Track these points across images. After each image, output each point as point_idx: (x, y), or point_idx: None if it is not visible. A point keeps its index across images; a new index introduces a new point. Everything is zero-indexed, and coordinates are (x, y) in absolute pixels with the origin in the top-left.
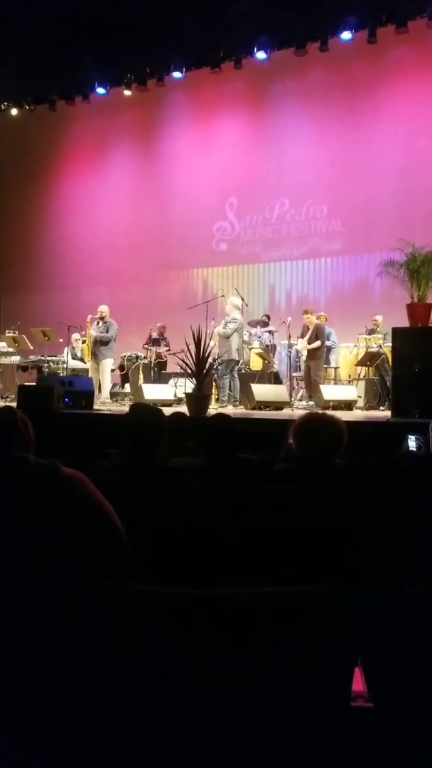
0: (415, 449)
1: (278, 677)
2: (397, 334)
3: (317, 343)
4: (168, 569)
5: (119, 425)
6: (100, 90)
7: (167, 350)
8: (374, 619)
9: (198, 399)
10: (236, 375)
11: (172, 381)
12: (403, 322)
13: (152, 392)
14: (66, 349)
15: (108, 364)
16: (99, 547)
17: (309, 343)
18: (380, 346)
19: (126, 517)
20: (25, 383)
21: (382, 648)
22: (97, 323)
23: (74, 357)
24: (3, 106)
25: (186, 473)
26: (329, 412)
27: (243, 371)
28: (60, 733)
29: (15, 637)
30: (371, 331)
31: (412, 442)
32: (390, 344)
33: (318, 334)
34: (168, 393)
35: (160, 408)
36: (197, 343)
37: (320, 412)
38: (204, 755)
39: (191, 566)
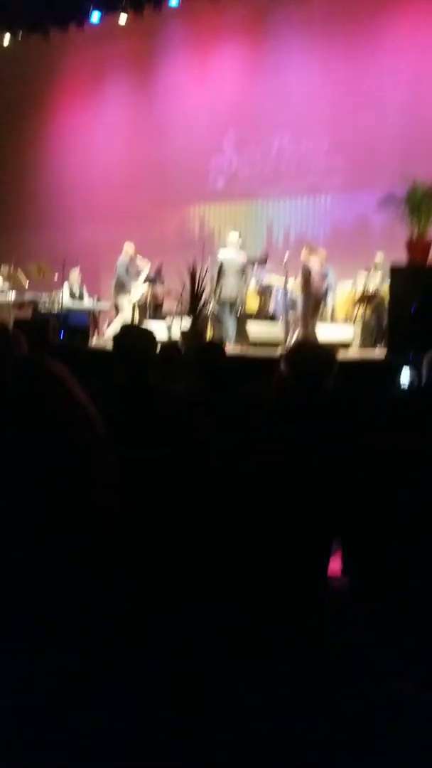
0: (408, 383)
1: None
2: (395, 272)
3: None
4: (159, 493)
5: (109, 350)
6: (96, 17)
7: (164, 290)
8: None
9: (192, 336)
10: (233, 314)
11: (168, 318)
12: (404, 260)
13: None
14: (65, 284)
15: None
16: (78, 439)
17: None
18: (378, 286)
19: (118, 438)
20: (20, 318)
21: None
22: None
23: (72, 295)
24: None
25: (178, 399)
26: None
27: (239, 312)
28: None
29: None
30: (371, 269)
31: (405, 377)
32: (388, 283)
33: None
34: (163, 332)
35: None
36: (192, 281)
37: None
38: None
39: (180, 490)
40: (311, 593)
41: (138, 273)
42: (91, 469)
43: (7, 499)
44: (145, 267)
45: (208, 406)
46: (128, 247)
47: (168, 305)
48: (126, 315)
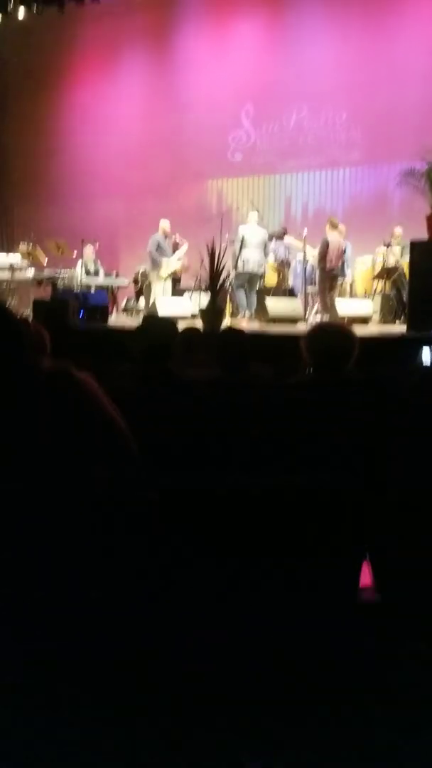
0: (430, 362)
1: (292, 569)
2: (415, 246)
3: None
4: (181, 477)
5: (132, 337)
6: None
7: (183, 266)
8: (382, 513)
9: (212, 313)
10: (254, 290)
11: (186, 295)
12: (423, 235)
13: (167, 307)
14: (79, 262)
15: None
16: (107, 449)
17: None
18: (398, 260)
19: (138, 427)
20: (40, 298)
21: (389, 542)
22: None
23: (88, 272)
24: (9, 7)
25: (198, 384)
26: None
27: (258, 287)
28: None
29: (30, 538)
30: (389, 244)
31: (426, 355)
32: (408, 258)
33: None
34: (182, 308)
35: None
36: (211, 256)
37: (330, 321)
38: (219, 647)
39: (204, 474)
40: (340, 604)
41: (173, 249)
42: (124, 480)
43: (36, 513)
44: (183, 245)
45: (230, 394)
46: (163, 224)
47: (186, 280)
48: (156, 291)
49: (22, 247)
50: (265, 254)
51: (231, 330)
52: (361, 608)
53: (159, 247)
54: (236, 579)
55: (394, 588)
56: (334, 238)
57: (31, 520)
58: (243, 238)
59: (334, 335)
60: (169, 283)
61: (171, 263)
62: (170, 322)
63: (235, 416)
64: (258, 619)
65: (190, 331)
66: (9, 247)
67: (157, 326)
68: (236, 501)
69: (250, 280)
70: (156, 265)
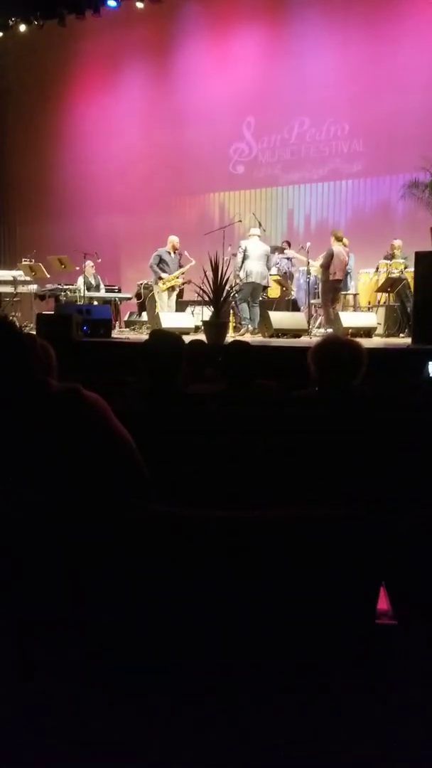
0: None
1: (305, 597)
2: (420, 258)
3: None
4: (189, 494)
5: (138, 352)
6: (112, 2)
7: (184, 279)
8: (397, 539)
9: (216, 327)
10: (257, 303)
11: (189, 309)
12: (426, 246)
13: (169, 320)
14: (80, 278)
15: (174, 294)
16: (116, 470)
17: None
18: (401, 272)
19: (147, 442)
20: (43, 312)
21: (405, 567)
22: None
23: (89, 287)
24: (11, 22)
25: (205, 399)
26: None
27: (261, 298)
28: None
29: (37, 556)
30: (390, 256)
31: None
32: (412, 270)
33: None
34: (185, 321)
35: (180, 335)
36: (214, 269)
37: (338, 335)
38: (231, 673)
39: (212, 490)
40: (357, 629)
41: (177, 266)
42: (131, 497)
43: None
44: (187, 264)
45: (237, 409)
46: (171, 239)
47: (189, 294)
48: (158, 304)
49: (25, 262)
50: (268, 267)
51: (237, 343)
52: (377, 632)
53: (161, 261)
54: (246, 602)
55: (410, 612)
56: (338, 249)
57: (41, 538)
58: (246, 250)
59: (342, 349)
60: (173, 297)
61: (171, 278)
62: (177, 337)
63: (243, 431)
64: (270, 640)
65: (196, 344)
66: (12, 263)
67: (164, 341)
68: (245, 522)
69: (253, 292)
70: (156, 278)
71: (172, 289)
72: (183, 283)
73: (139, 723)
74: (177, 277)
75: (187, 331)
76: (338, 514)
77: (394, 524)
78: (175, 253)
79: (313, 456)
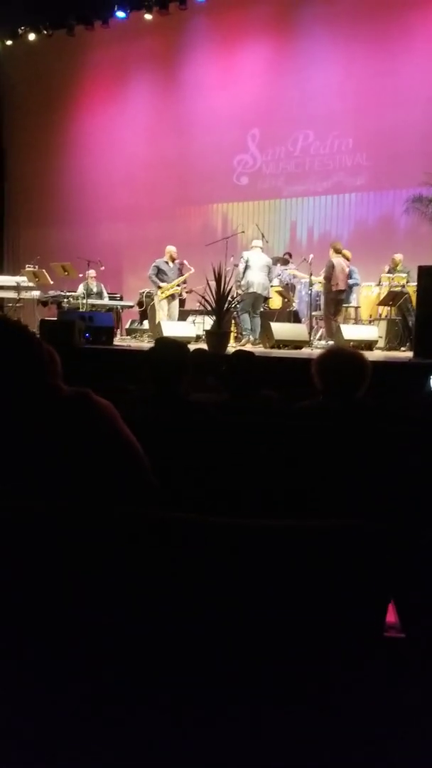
0: None
1: (313, 609)
2: (423, 272)
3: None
4: (190, 501)
5: (141, 360)
6: (120, 14)
7: (185, 288)
8: (406, 553)
9: (218, 336)
10: (258, 313)
11: (190, 318)
12: (429, 260)
13: (171, 329)
14: (81, 286)
15: (177, 301)
16: (124, 475)
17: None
18: (404, 286)
19: (151, 450)
20: (46, 318)
21: (413, 581)
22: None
23: (89, 294)
24: (20, 31)
25: (209, 408)
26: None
27: (263, 309)
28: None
29: (44, 560)
30: (390, 270)
31: None
32: (414, 284)
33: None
34: (187, 330)
35: (185, 343)
36: (217, 279)
37: (343, 346)
38: (237, 683)
39: (213, 499)
40: (365, 642)
41: (176, 274)
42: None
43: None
44: (187, 272)
45: (239, 420)
46: (168, 249)
47: (191, 303)
48: (160, 313)
49: (29, 268)
50: (270, 278)
51: (241, 353)
52: (386, 645)
53: (159, 272)
54: (252, 611)
55: (419, 625)
56: (338, 261)
57: (48, 542)
58: (248, 260)
59: (346, 360)
60: (175, 306)
61: (169, 287)
62: (182, 345)
63: (247, 441)
64: (278, 652)
65: (198, 353)
66: (15, 269)
67: (169, 349)
68: (250, 533)
69: (254, 303)
70: (156, 287)
71: (172, 297)
72: (186, 292)
73: (137, 734)
74: (177, 286)
75: (188, 340)
76: (350, 525)
77: (406, 538)
78: (173, 262)
79: (316, 467)
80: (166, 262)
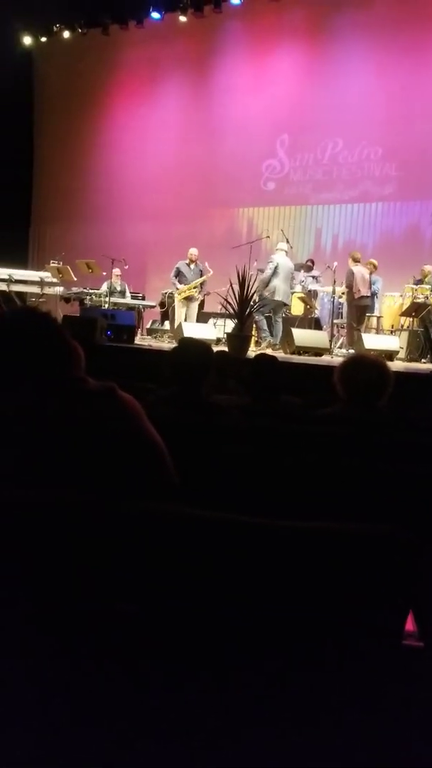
0: None
1: (335, 612)
2: None
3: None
4: (208, 501)
5: (164, 360)
6: (155, 15)
7: (204, 291)
8: (426, 560)
9: (239, 339)
10: (280, 319)
11: (211, 320)
12: None
13: (192, 331)
14: (105, 284)
15: (196, 304)
16: (147, 470)
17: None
18: (427, 297)
19: (172, 449)
20: (68, 314)
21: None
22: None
23: (113, 292)
24: (55, 28)
25: (231, 410)
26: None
27: (284, 315)
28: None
29: (70, 552)
30: (419, 281)
31: None
32: None
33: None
34: (207, 332)
35: (209, 344)
36: (241, 283)
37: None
38: (254, 687)
39: (232, 501)
40: (384, 649)
41: (195, 277)
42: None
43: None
44: (205, 274)
45: (261, 423)
46: (189, 251)
47: (212, 306)
48: (180, 314)
49: (53, 264)
50: (291, 286)
51: (265, 357)
52: (405, 654)
53: (179, 273)
54: (269, 610)
55: None
56: (357, 269)
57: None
58: (277, 266)
59: (369, 369)
60: (193, 308)
61: (186, 289)
62: (207, 346)
63: (268, 445)
64: (297, 655)
65: (220, 356)
66: (40, 264)
67: (194, 349)
68: (270, 538)
69: (275, 308)
70: (174, 289)
71: (189, 299)
72: (205, 294)
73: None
74: (194, 288)
75: (209, 343)
76: (381, 530)
77: (428, 547)
78: (193, 264)
79: (338, 474)
80: (187, 264)
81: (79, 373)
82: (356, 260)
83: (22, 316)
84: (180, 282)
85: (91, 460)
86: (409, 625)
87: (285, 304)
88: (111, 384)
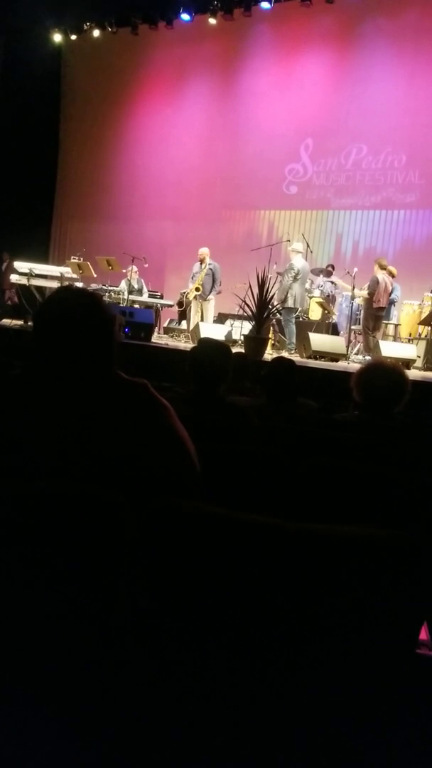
0: None
1: (349, 617)
2: None
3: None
4: (233, 501)
5: (178, 359)
6: (185, 16)
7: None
8: None
9: (256, 341)
10: (292, 322)
11: (228, 322)
12: None
13: (208, 332)
14: (122, 282)
15: (211, 304)
16: (174, 467)
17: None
18: None
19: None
20: None
21: None
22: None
23: (131, 290)
24: (85, 27)
25: (248, 411)
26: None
27: (301, 319)
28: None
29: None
30: None
31: None
32: None
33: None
34: (223, 333)
35: (229, 345)
36: (260, 285)
37: (383, 360)
38: (268, 692)
39: (248, 501)
40: (398, 657)
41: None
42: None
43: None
44: (213, 273)
45: (278, 424)
46: (199, 250)
47: (230, 307)
48: (197, 314)
49: (74, 260)
50: (308, 290)
51: (283, 360)
52: (418, 662)
53: (193, 273)
54: (283, 614)
55: None
56: (382, 277)
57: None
58: (298, 272)
59: (387, 375)
60: (207, 308)
61: (191, 289)
62: (227, 347)
63: (285, 446)
64: (308, 668)
65: (238, 357)
66: (61, 260)
67: (214, 349)
68: (285, 539)
69: (293, 312)
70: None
71: (202, 299)
72: (216, 293)
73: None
74: (195, 289)
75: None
76: (401, 536)
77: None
78: (201, 264)
79: (355, 478)
80: (199, 263)
81: (116, 367)
82: (383, 267)
83: (79, 301)
84: (192, 281)
85: (121, 454)
86: (423, 634)
87: (301, 309)
88: (144, 381)
